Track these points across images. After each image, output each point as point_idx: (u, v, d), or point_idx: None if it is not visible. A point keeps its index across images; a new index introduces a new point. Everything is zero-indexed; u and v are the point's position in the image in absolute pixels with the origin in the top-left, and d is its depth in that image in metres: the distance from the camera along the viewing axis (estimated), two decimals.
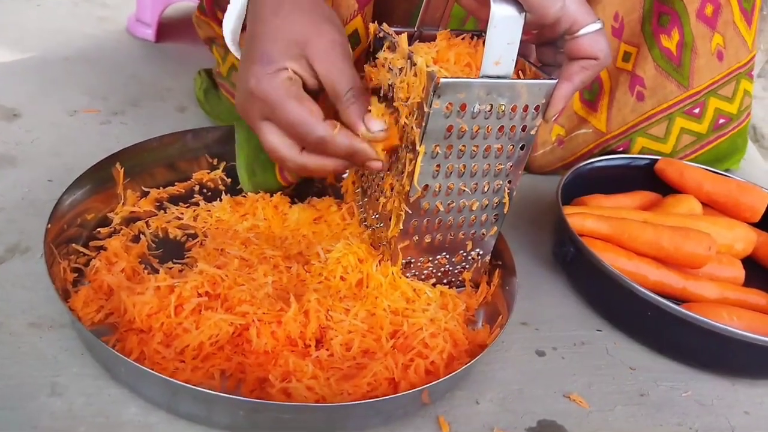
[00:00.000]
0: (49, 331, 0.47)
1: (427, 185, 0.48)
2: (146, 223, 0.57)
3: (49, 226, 0.49)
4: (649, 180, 0.72)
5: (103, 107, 0.76)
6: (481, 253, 0.54)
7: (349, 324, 0.48)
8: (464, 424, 0.46)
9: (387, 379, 0.45)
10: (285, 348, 0.46)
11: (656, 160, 0.73)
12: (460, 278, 0.55)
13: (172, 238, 0.57)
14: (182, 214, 0.59)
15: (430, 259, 0.53)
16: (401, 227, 0.49)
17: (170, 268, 0.52)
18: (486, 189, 0.50)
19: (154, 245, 0.55)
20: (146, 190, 0.60)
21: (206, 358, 0.45)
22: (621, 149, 0.76)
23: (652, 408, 0.51)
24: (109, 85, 0.81)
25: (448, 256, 0.53)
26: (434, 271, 0.53)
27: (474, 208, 0.51)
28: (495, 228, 0.53)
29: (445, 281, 0.54)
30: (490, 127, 0.46)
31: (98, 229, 0.55)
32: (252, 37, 0.49)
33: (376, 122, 0.47)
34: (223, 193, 0.62)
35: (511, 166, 0.49)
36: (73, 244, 0.52)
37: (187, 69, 0.85)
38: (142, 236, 0.55)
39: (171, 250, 0.55)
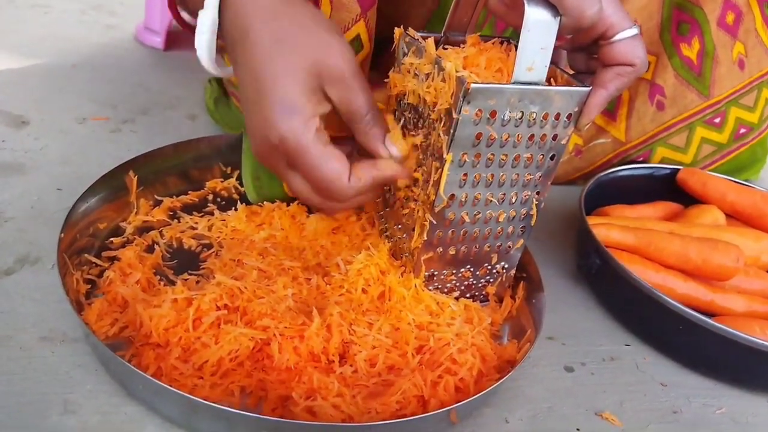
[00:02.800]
0: (61, 345, 0.45)
1: (453, 195, 0.46)
2: (160, 232, 0.55)
3: (62, 235, 0.47)
4: (670, 190, 0.71)
5: (112, 115, 0.75)
6: (506, 266, 0.52)
7: (373, 339, 0.46)
8: None
9: (416, 397, 0.43)
10: (308, 364, 0.44)
11: (678, 169, 0.71)
12: (483, 292, 0.53)
13: (186, 248, 0.55)
14: (196, 223, 0.57)
15: (454, 271, 0.51)
16: (425, 238, 0.48)
17: (186, 280, 0.50)
18: (514, 200, 0.48)
19: (168, 256, 0.53)
20: (159, 198, 0.59)
21: (225, 375, 0.43)
22: (641, 159, 0.75)
23: (686, 426, 0.49)
24: (118, 93, 0.80)
25: (472, 269, 0.51)
26: (457, 284, 0.52)
27: (501, 219, 0.49)
28: (521, 241, 0.51)
29: (468, 295, 0.53)
30: (520, 136, 0.45)
31: (111, 239, 0.53)
32: (254, 70, 0.43)
33: (395, 147, 0.46)
34: (238, 202, 0.60)
35: (540, 177, 0.48)
36: (86, 255, 0.50)
37: (197, 77, 0.84)
38: (156, 246, 0.54)
39: (186, 261, 0.53)
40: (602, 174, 0.68)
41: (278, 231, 0.57)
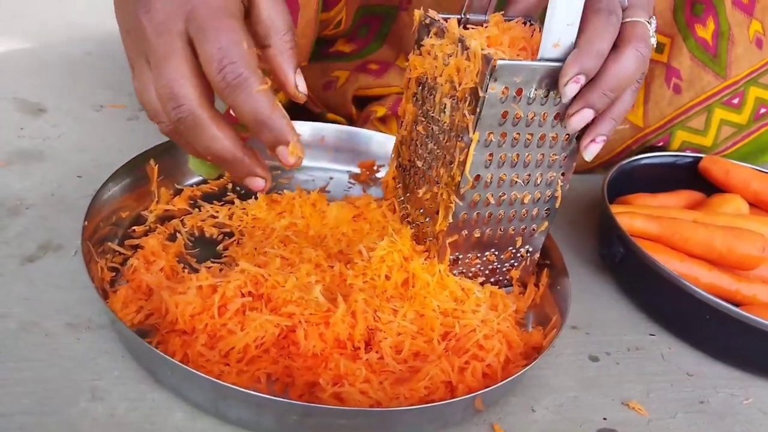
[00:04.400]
0: (87, 331, 0.45)
1: (478, 176, 0.46)
2: (181, 221, 0.55)
3: (86, 223, 0.47)
4: (692, 178, 0.70)
5: (128, 103, 0.74)
6: (530, 250, 0.52)
7: (398, 325, 0.46)
8: None
9: (443, 383, 0.43)
10: (334, 350, 0.44)
11: (700, 158, 0.70)
12: (507, 276, 0.53)
13: (208, 236, 0.54)
14: (217, 212, 0.57)
15: (479, 255, 0.50)
16: (450, 220, 0.47)
17: (209, 268, 0.50)
18: (539, 181, 0.48)
19: (190, 244, 0.53)
20: (179, 187, 0.58)
21: (252, 361, 0.43)
22: (660, 144, 0.74)
23: (713, 416, 0.48)
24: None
25: (497, 253, 0.51)
26: (482, 268, 0.51)
27: (526, 201, 0.48)
28: (546, 224, 0.51)
29: (492, 279, 0.52)
30: (545, 114, 0.44)
31: (133, 228, 0.53)
32: None
33: (304, 84, 0.41)
34: None
35: (565, 157, 0.47)
36: (109, 243, 0.50)
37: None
38: (178, 235, 0.53)
39: (208, 249, 0.53)
40: (624, 162, 0.67)
41: (299, 219, 0.56)
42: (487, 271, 0.52)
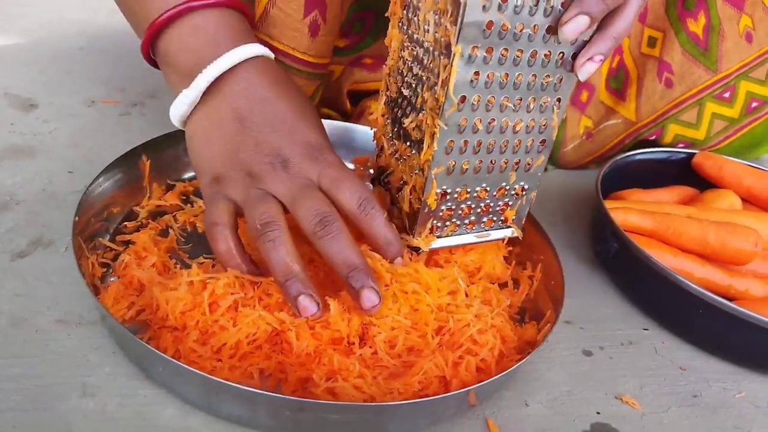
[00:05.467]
0: (78, 327, 0.45)
1: (464, 96, 0.41)
2: (173, 216, 0.55)
3: (77, 219, 0.46)
4: (685, 174, 0.70)
5: (121, 98, 0.74)
6: (526, 187, 0.48)
7: (392, 320, 0.45)
8: (515, 428, 0.44)
9: (437, 377, 0.42)
10: (327, 346, 0.44)
11: (694, 153, 0.70)
12: (502, 217, 0.49)
13: (200, 232, 0.54)
14: None
15: (468, 190, 0.46)
16: (435, 148, 0.43)
17: (201, 263, 0.49)
18: (531, 106, 0.44)
19: (182, 239, 0.53)
20: (171, 183, 0.58)
21: (244, 357, 0.43)
22: (653, 137, 0.74)
23: (706, 410, 0.48)
24: (125, 76, 0.79)
25: (488, 188, 0.47)
26: (473, 206, 0.48)
27: (518, 128, 0.45)
28: (542, 158, 0.47)
29: (485, 219, 0.49)
30: (536, 26, 0.40)
31: (124, 223, 0.53)
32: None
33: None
34: None
35: (560, 80, 0.43)
36: (100, 239, 0.50)
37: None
38: (170, 230, 0.53)
39: (200, 245, 0.52)
40: (618, 158, 0.67)
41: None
42: (479, 210, 0.48)
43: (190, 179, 0.59)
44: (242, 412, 0.40)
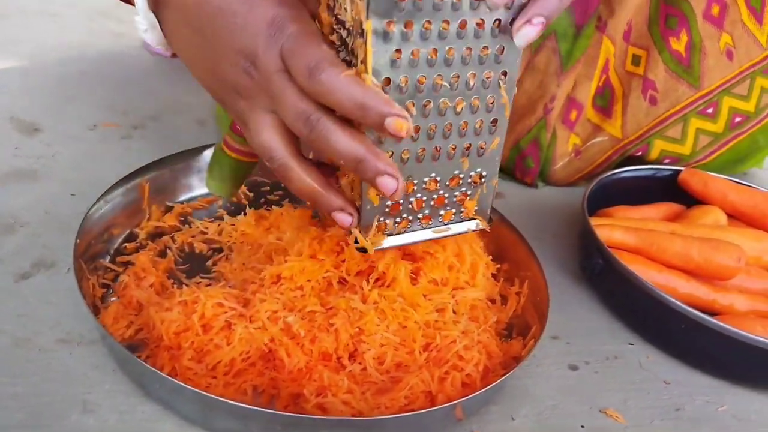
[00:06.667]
0: (78, 347, 0.46)
1: (388, 79, 0.37)
2: (172, 237, 0.57)
3: (78, 241, 0.48)
4: (672, 191, 0.72)
5: (122, 121, 0.76)
6: (484, 174, 0.43)
7: (381, 337, 0.47)
8: None
9: (423, 393, 0.44)
10: (318, 363, 0.45)
11: (679, 170, 0.72)
12: (462, 208, 0.45)
13: (198, 252, 0.56)
14: (207, 228, 0.58)
15: (415, 182, 0.42)
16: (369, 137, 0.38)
17: (198, 283, 0.51)
18: (471, 83, 0.39)
19: (180, 260, 0.55)
20: (170, 204, 0.60)
21: (238, 374, 0.45)
22: (639, 153, 0.76)
23: (688, 423, 0.50)
24: (127, 99, 0.81)
25: (439, 178, 0.42)
26: (424, 198, 0.43)
27: (459, 109, 0.40)
28: (497, 139, 0.42)
29: (442, 212, 0.44)
30: None
31: (124, 245, 0.55)
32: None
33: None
34: (247, 206, 0.61)
35: (501, 50, 0.38)
36: (101, 260, 0.52)
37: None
38: (168, 251, 0.55)
39: (198, 265, 0.54)
40: (604, 175, 0.69)
41: (285, 234, 0.58)
42: (432, 202, 0.43)
43: (188, 200, 0.61)
44: (237, 427, 0.41)
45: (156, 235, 0.57)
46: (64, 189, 0.63)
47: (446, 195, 0.44)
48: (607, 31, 0.73)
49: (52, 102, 0.78)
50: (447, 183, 0.43)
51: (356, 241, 0.43)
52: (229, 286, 0.50)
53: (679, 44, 0.72)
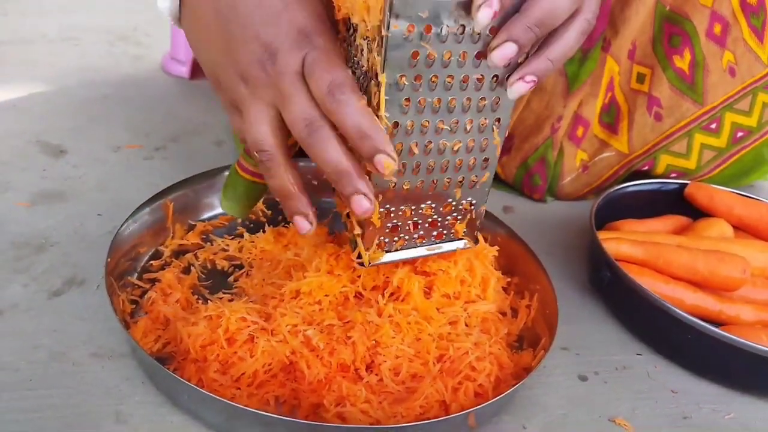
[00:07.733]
0: (110, 360, 0.49)
1: (397, 123, 0.42)
2: (195, 255, 0.59)
3: (109, 260, 0.51)
4: (678, 204, 0.73)
5: (145, 143, 0.79)
6: (473, 202, 0.49)
7: (396, 349, 0.49)
8: None
9: (438, 402, 0.46)
10: (337, 374, 0.47)
11: (685, 184, 0.74)
12: (452, 231, 0.50)
13: (219, 269, 0.59)
14: (227, 245, 0.61)
15: (413, 208, 0.47)
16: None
17: (220, 299, 0.54)
18: (469, 127, 0.44)
19: (203, 276, 0.57)
20: (192, 223, 0.63)
21: (261, 385, 0.47)
22: (646, 168, 0.78)
23: (696, 431, 0.51)
24: (149, 121, 0.84)
25: (434, 206, 0.47)
26: (419, 221, 0.48)
27: (456, 149, 0.45)
28: (487, 174, 0.47)
29: (434, 233, 0.49)
30: (464, 53, 0.41)
31: (150, 262, 0.57)
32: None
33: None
34: (266, 224, 0.64)
35: (497, 101, 0.44)
36: (129, 277, 0.54)
37: (222, 105, 0.88)
38: (192, 268, 0.58)
39: (220, 281, 0.57)
40: (612, 190, 0.71)
41: (303, 251, 0.60)
42: (426, 225, 0.48)
43: (210, 219, 0.64)
44: None
45: (180, 252, 0.59)
46: (92, 209, 0.66)
47: (439, 219, 0.49)
48: (611, 50, 0.75)
49: (77, 125, 0.81)
50: (441, 209, 0.48)
51: (359, 256, 0.48)
52: (251, 301, 0.52)
53: (682, 62, 0.74)
